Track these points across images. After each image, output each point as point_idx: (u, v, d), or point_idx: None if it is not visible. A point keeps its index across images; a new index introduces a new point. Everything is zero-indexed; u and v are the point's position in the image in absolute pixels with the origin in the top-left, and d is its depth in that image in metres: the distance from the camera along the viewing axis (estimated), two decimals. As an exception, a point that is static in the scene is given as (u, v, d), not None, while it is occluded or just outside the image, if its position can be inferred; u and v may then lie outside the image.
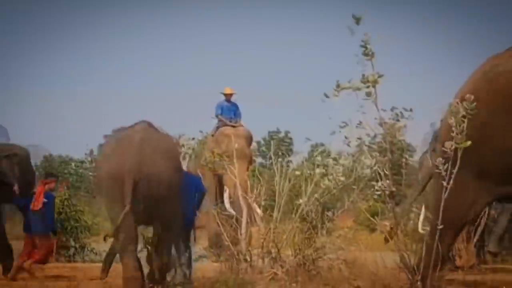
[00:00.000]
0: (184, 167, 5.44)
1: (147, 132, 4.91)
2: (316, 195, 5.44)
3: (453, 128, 4.10)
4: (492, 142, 4.07)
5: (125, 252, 4.75)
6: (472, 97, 4.01)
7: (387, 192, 4.67)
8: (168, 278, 5.11)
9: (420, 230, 5.42)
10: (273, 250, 5.29)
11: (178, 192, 4.92)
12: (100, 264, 6.34)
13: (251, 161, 7.68)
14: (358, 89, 4.68)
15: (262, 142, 8.26)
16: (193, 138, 6.49)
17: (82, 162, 20.14)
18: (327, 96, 4.77)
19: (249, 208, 5.73)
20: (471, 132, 3.96)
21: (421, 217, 5.62)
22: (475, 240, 6.84)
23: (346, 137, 4.82)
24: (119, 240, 4.78)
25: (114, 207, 4.70)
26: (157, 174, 4.68)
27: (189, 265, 5.27)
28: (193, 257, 5.48)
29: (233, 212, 6.58)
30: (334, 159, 5.51)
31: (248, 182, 6.50)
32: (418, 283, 4.34)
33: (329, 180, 5.39)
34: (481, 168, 4.13)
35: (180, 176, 5.07)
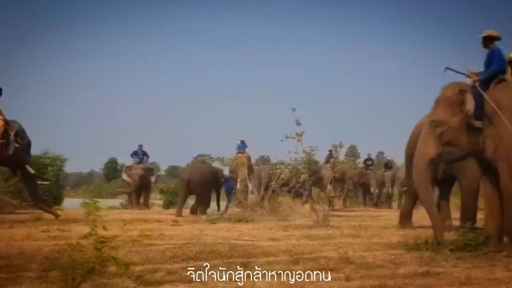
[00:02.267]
0: (228, 170, 13.37)
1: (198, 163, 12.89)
2: (279, 180, 13.11)
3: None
4: None
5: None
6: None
7: (307, 178, 12.58)
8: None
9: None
10: (261, 202, 12.93)
11: (208, 182, 12.85)
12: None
13: (250, 167, 15.43)
14: (293, 137, 12.51)
15: (258, 160, 15.13)
16: (228, 158, 14.38)
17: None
18: (282, 140, 12.58)
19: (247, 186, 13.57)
20: None
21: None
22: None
23: (290, 157, 12.71)
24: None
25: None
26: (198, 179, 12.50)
27: (228, 205, 13.07)
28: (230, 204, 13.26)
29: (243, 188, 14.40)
30: (286, 166, 13.29)
31: (249, 176, 14.31)
32: None
33: (284, 173, 13.14)
34: None
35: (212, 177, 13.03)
